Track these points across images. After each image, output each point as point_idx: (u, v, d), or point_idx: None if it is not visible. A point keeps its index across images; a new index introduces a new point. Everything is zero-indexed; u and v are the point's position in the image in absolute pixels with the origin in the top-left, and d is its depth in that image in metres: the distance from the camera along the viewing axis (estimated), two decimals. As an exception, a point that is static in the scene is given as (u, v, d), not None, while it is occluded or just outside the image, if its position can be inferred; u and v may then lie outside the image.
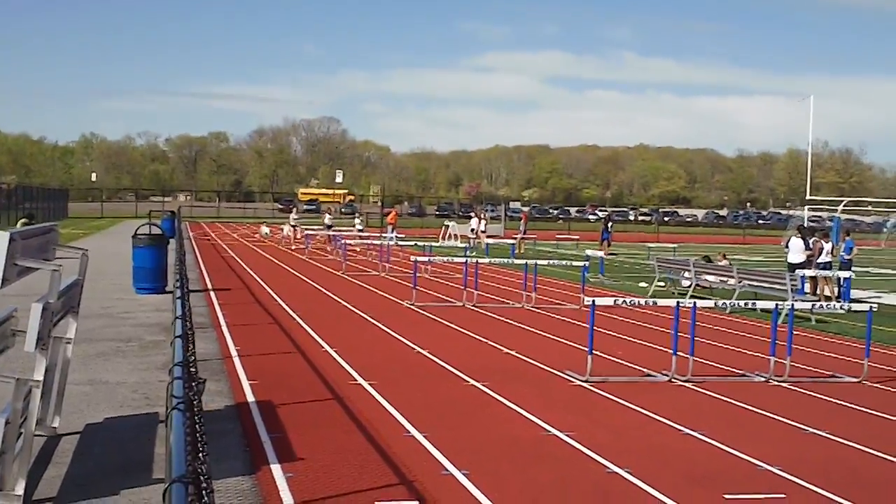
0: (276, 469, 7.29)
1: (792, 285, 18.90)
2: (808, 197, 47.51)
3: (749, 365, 13.14)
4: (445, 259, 24.31)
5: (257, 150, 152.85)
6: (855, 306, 14.43)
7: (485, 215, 49.09)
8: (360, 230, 40.79)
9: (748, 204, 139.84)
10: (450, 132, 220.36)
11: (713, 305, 13.96)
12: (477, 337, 15.11)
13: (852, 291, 22.75)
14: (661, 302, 13.43)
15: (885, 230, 75.55)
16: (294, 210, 49.66)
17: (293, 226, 42.50)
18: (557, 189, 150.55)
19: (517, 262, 23.36)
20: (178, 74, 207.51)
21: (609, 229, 42.94)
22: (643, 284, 25.89)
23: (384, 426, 8.82)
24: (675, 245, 42.55)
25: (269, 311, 17.45)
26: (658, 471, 7.66)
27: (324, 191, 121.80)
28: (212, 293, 20.15)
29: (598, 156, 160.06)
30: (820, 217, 70.68)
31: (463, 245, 33.06)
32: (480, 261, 23.56)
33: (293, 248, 38.51)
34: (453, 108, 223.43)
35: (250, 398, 9.85)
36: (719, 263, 24.80)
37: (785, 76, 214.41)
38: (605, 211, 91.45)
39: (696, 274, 22.40)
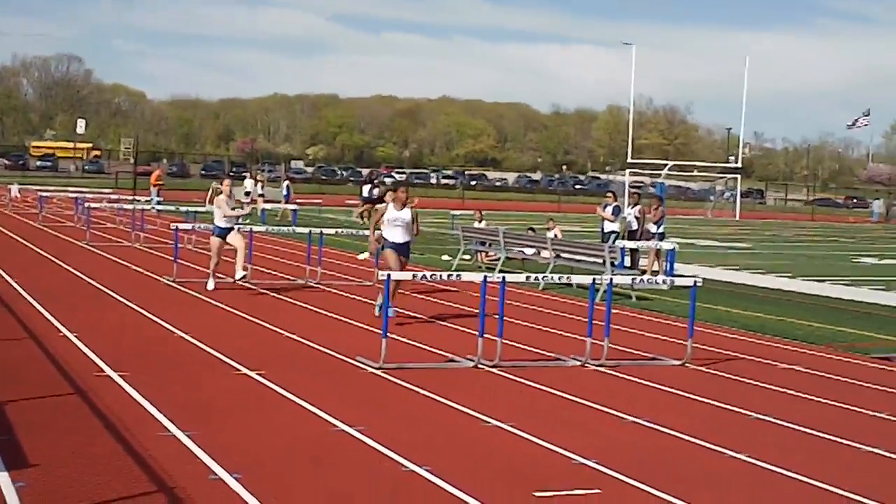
0: (3, 477, 7.02)
1: (611, 258, 19.65)
2: (629, 160, 49.53)
3: (563, 347, 13.63)
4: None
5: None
6: (678, 281, 15.15)
7: (262, 177, 48.75)
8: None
9: (564, 167, 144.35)
10: (219, 77, 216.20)
11: (524, 280, 14.33)
12: (250, 318, 14.99)
13: (676, 265, 23.90)
14: (466, 276, 13.73)
15: (711, 199, 79.82)
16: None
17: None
18: (348, 147, 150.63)
19: (300, 230, 23.27)
20: None
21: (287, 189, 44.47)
22: (446, 257, 26.36)
23: (138, 425, 8.63)
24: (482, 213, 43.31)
25: (-8, 290, 16.73)
26: (461, 468, 7.85)
27: (62, 144, 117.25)
28: (-82, 267, 19.13)
29: (395, 109, 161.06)
30: (642, 182, 73.90)
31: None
32: (256, 229, 23.32)
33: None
34: (223, 49, 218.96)
35: (-31, 394, 9.43)
36: (549, 234, 25.48)
37: (606, 23, 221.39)
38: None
39: (508, 246, 22.99)
